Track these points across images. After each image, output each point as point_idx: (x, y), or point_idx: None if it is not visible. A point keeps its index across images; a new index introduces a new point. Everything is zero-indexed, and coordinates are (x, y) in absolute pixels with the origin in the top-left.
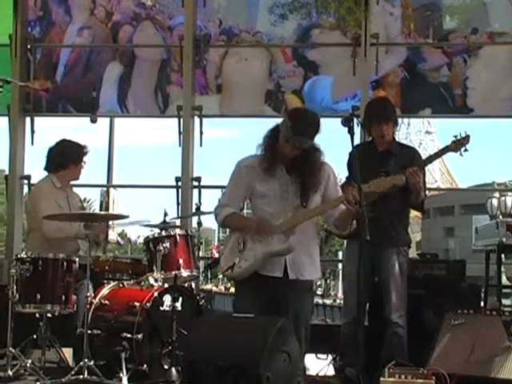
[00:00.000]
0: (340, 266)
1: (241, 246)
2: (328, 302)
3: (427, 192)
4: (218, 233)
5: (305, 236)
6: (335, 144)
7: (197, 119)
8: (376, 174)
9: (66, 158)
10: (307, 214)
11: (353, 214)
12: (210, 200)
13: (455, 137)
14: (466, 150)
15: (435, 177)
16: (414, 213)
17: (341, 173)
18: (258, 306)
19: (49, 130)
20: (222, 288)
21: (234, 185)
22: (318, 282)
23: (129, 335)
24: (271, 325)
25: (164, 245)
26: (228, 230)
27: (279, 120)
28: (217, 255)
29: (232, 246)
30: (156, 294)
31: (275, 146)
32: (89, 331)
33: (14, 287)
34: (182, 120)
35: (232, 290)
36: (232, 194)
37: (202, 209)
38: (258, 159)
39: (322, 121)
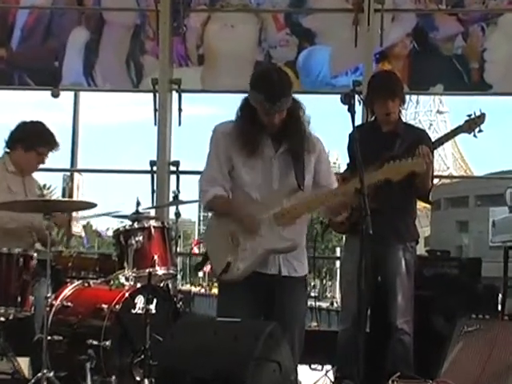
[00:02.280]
0: (338, 264)
1: (232, 240)
2: (324, 305)
3: (437, 180)
4: (199, 225)
5: (294, 226)
6: (333, 124)
7: (175, 94)
8: (379, 158)
9: (18, 137)
10: (311, 203)
11: (346, 206)
12: (189, 187)
13: (469, 116)
14: (480, 131)
15: (447, 163)
16: (422, 204)
17: (339, 157)
18: (248, 306)
19: (2, 105)
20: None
21: (216, 153)
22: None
23: (95, 342)
24: (260, 330)
25: (136, 238)
26: (212, 214)
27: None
28: (197, 250)
29: (220, 241)
30: (127, 294)
31: (254, 115)
32: (48, 337)
33: None
34: (157, 95)
35: (214, 290)
36: (215, 163)
37: (181, 197)
38: (237, 127)
39: (319, 97)
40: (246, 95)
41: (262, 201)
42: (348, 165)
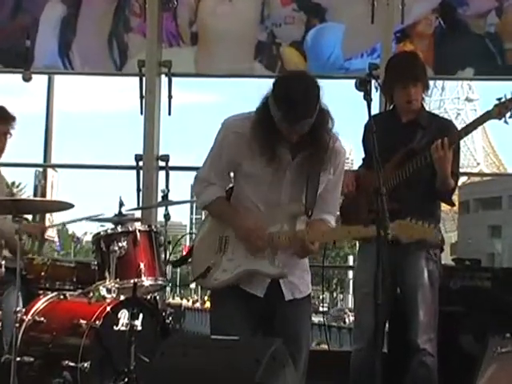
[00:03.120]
0: (350, 274)
1: (220, 246)
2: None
3: (465, 178)
4: (191, 229)
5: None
6: (346, 113)
7: (164, 79)
8: (397, 151)
9: None
10: (313, 235)
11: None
12: (180, 185)
13: (499, 99)
14: None
15: (477, 158)
16: (447, 206)
17: (353, 151)
18: (245, 320)
19: None
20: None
21: (219, 153)
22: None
23: (72, 363)
24: (261, 351)
25: (120, 244)
26: (205, 215)
27: (271, 81)
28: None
29: (208, 241)
30: (109, 308)
31: (273, 123)
32: (18, 358)
33: None
34: (144, 80)
35: (207, 304)
36: (216, 163)
37: (171, 197)
38: (252, 123)
39: (330, 83)
40: (267, 95)
41: (265, 215)
42: (363, 160)
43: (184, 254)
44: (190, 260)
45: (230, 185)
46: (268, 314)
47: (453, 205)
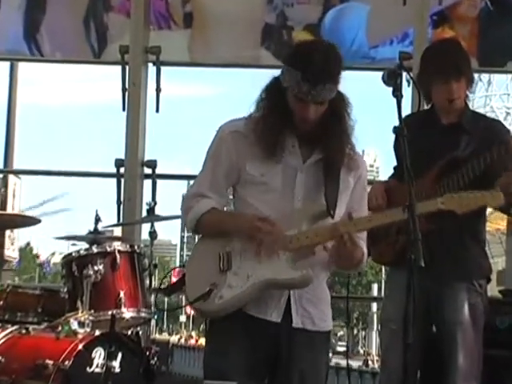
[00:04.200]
0: (375, 307)
1: (222, 264)
2: (355, 364)
3: None
4: (182, 249)
5: (313, 261)
6: (372, 112)
7: (152, 68)
8: (436, 161)
9: None
10: (337, 229)
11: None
12: (170, 197)
13: None
14: None
15: None
16: (492, 225)
17: (378, 158)
18: (246, 361)
19: None
20: (187, 340)
21: (215, 161)
22: (340, 333)
23: None
24: None
25: (95, 268)
26: (199, 238)
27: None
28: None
29: (206, 262)
30: (81, 346)
31: (283, 105)
32: None
33: None
34: (128, 69)
35: (202, 341)
36: (211, 175)
37: (158, 211)
38: (252, 123)
39: (352, 75)
40: (276, 74)
41: (277, 221)
42: (394, 169)
43: (175, 279)
44: (183, 287)
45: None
46: (275, 353)
47: None
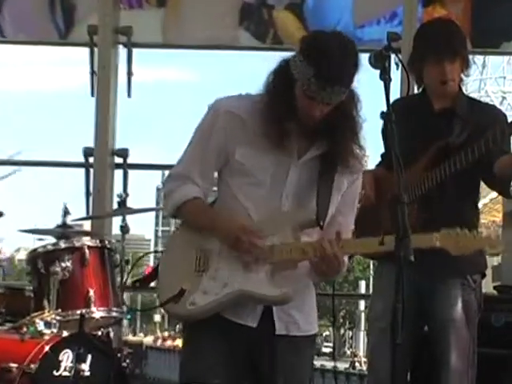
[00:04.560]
0: (363, 305)
1: (199, 263)
2: (342, 365)
3: None
4: (156, 244)
5: (296, 270)
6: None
7: (123, 50)
8: (428, 148)
9: None
10: (323, 249)
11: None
12: (142, 188)
13: None
14: None
15: None
16: (487, 217)
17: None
18: (223, 365)
19: None
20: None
21: (205, 141)
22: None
23: None
24: None
25: (63, 264)
26: (180, 224)
27: (261, 54)
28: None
29: (182, 258)
30: (47, 348)
31: (289, 95)
32: None
33: None
34: (96, 51)
35: (178, 342)
36: (199, 155)
37: (130, 203)
38: (253, 107)
39: None
40: (286, 57)
41: (260, 224)
42: (382, 157)
43: (147, 273)
44: (155, 282)
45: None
46: (256, 355)
47: (509, 196)
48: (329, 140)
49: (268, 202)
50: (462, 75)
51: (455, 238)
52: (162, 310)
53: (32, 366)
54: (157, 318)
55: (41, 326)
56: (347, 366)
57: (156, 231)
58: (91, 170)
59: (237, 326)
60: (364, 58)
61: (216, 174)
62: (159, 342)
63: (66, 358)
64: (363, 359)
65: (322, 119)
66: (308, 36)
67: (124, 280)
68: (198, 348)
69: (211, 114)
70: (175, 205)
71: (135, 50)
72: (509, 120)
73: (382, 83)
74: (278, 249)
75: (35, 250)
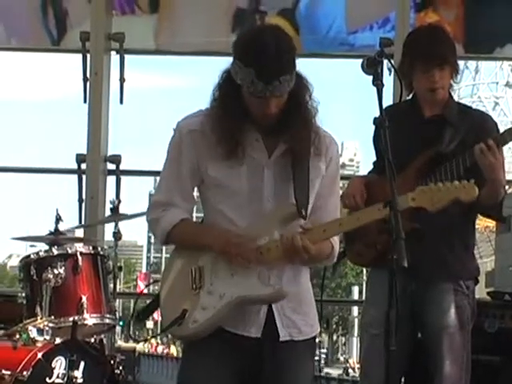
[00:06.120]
0: (356, 311)
1: (195, 281)
2: (335, 372)
3: (507, 187)
4: (148, 251)
5: (292, 267)
6: (350, 103)
7: (115, 56)
8: (418, 156)
9: None
10: (315, 234)
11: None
12: (134, 195)
13: None
14: None
15: None
16: (480, 222)
17: (359, 151)
18: (222, 376)
19: None
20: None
21: (177, 164)
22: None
23: None
24: None
25: (55, 271)
26: (173, 248)
27: None
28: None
29: (179, 280)
30: (40, 355)
31: (239, 102)
32: None
33: None
34: (89, 57)
35: (172, 349)
36: (175, 180)
37: (123, 210)
38: (210, 121)
39: (330, 62)
40: (227, 67)
41: (247, 230)
42: (374, 164)
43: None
44: (158, 308)
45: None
46: (257, 365)
47: (503, 220)
48: (290, 134)
49: (251, 207)
50: (452, 82)
51: (429, 193)
52: (155, 317)
53: (25, 373)
54: (149, 324)
55: (33, 332)
56: (340, 372)
57: (149, 237)
58: (84, 177)
59: (239, 337)
60: (357, 63)
61: (197, 194)
62: (150, 348)
63: (59, 365)
64: (356, 365)
65: (278, 113)
66: (238, 41)
67: (118, 287)
68: (195, 361)
69: (177, 137)
70: (164, 232)
71: (127, 57)
72: (500, 127)
73: (374, 89)
74: (266, 248)
75: (28, 256)
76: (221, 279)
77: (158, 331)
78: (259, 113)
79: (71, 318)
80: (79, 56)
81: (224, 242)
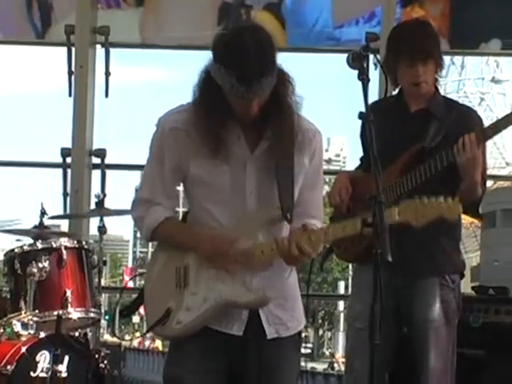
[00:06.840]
0: (341, 306)
1: (179, 280)
2: (320, 366)
3: (491, 183)
4: (135, 246)
5: (271, 271)
6: (337, 98)
7: (100, 50)
8: (404, 150)
9: None
10: (291, 244)
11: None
12: (120, 189)
13: None
14: None
15: (506, 157)
16: (467, 218)
17: (345, 146)
18: (208, 373)
19: None
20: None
21: (159, 162)
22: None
23: None
24: None
25: (40, 265)
26: (157, 244)
27: None
28: (131, 283)
29: (164, 276)
30: (24, 349)
31: (220, 100)
32: None
33: None
34: (74, 51)
35: (157, 343)
36: (157, 177)
37: (108, 204)
38: (192, 118)
39: (315, 57)
40: (206, 66)
41: (230, 232)
42: (361, 160)
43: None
44: (142, 305)
45: (182, 209)
46: (243, 362)
47: (480, 217)
48: (272, 128)
49: (234, 202)
50: (437, 76)
51: (414, 208)
52: (141, 312)
53: (8, 367)
54: (135, 319)
55: (18, 327)
56: (326, 366)
57: (135, 232)
58: (69, 171)
59: (223, 335)
60: (343, 58)
61: (181, 189)
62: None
63: (43, 359)
64: (342, 360)
65: (260, 110)
66: (217, 42)
67: (103, 282)
68: (180, 357)
69: (159, 134)
70: (149, 229)
71: (113, 50)
72: (485, 123)
73: (360, 84)
74: (251, 254)
75: (12, 250)
76: (205, 281)
77: (144, 326)
78: (241, 111)
79: (55, 312)
80: (64, 49)
81: (209, 248)
